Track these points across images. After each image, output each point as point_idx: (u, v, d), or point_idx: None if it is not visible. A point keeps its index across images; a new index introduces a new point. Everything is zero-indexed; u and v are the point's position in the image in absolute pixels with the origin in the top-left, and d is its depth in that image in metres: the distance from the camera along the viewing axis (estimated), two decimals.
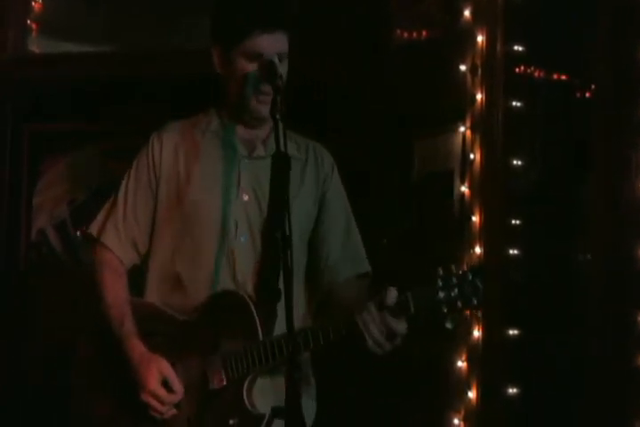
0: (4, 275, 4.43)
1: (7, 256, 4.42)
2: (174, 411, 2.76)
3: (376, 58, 3.98)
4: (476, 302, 2.55)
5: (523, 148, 3.80)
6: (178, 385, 2.74)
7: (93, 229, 2.98)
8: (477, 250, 3.69)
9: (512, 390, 3.66)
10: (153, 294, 2.90)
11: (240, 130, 2.90)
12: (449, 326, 2.59)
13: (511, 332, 3.65)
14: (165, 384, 2.74)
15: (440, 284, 2.55)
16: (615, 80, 3.85)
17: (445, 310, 2.56)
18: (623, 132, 3.83)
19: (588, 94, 3.95)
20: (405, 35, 4.07)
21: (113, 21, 5.10)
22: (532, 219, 3.76)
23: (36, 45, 4.65)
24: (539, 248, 3.74)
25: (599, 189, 3.86)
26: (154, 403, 2.73)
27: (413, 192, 3.08)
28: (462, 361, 3.69)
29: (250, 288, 2.80)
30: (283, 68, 2.80)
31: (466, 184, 3.75)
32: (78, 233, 2.94)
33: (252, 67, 2.78)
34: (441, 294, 2.55)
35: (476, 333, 3.65)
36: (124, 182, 2.96)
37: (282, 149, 2.52)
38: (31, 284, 4.41)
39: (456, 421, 3.70)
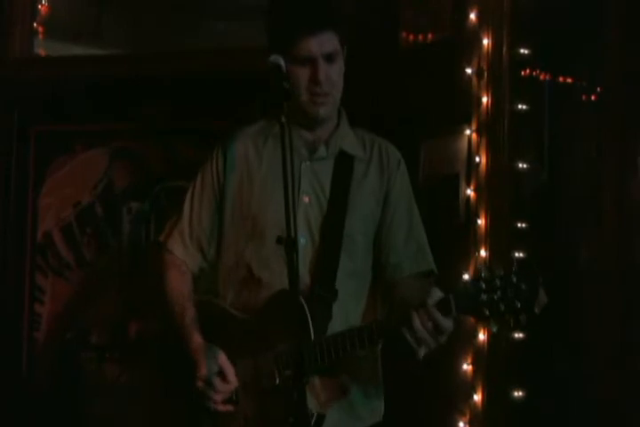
0: (10, 276, 4.44)
1: (13, 258, 4.42)
2: (231, 407, 2.80)
3: (382, 60, 3.97)
4: (519, 305, 2.52)
5: (528, 151, 3.80)
6: (232, 376, 2.80)
7: (161, 236, 3.10)
8: (483, 253, 3.69)
9: (517, 394, 3.65)
10: (223, 296, 2.98)
11: (301, 132, 2.93)
12: (493, 329, 2.58)
13: (517, 335, 3.65)
14: (220, 374, 2.79)
15: (483, 286, 2.55)
16: (622, 83, 3.85)
17: (487, 313, 2.56)
18: (630, 134, 3.84)
19: (594, 97, 3.95)
20: (411, 37, 4.07)
21: (118, 24, 5.11)
22: (538, 222, 3.76)
23: (41, 48, 4.66)
24: (544, 251, 3.74)
25: (606, 193, 3.86)
26: (206, 390, 2.78)
27: (418, 195, 3.08)
28: (468, 364, 3.68)
29: (307, 288, 2.83)
30: (336, 67, 2.87)
31: (471, 187, 3.75)
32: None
33: (303, 70, 2.83)
34: (483, 297, 2.55)
35: (482, 336, 3.65)
36: (189, 192, 3.07)
37: (288, 155, 2.51)
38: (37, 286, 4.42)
39: (461, 424, 3.70)
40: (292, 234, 2.46)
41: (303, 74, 2.84)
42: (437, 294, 2.62)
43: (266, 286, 2.87)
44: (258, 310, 2.85)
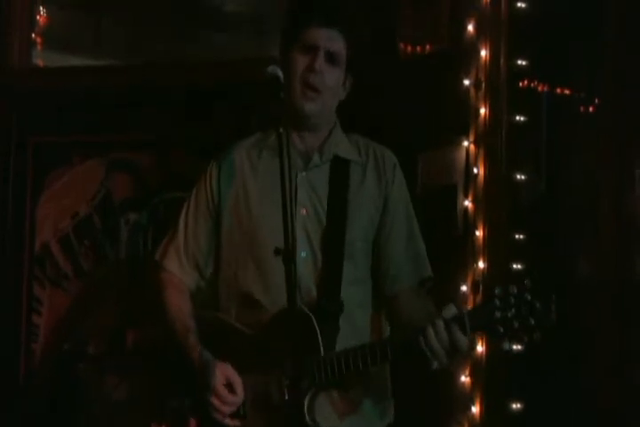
0: (8, 287, 4.43)
1: (10, 269, 4.41)
2: (238, 423, 2.80)
3: (380, 71, 3.97)
4: (533, 322, 2.53)
5: (526, 162, 3.80)
6: (239, 387, 2.79)
7: (157, 254, 3.09)
8: (481, 264, 3.68)
9: (516, 406, 3.64)
10: (227, 310, 2.96)
11: (296, 141, 2.93)
12: (506, 346, 2.57)
13: (514, 347, 3.64)
14: (229, 387, 2.79)
15: (497, 303, 2.55)
16: (620, 94, 3.85)
17: (502, 331, 2.55)
18: (628, 146, 3.84)
19: (592, 108, 3.94)
20: (409, 49, 4.07)
21: (116, 35, 5.11)
22: (537, 233, 3.76)
23: (40, 59, 4.66)
24: (543, 263, 3.73)
25: (604, 204, 3.86)
26: (216, 402, 2.78)
27: (416, 205, 3.09)
28: (466, 376, 3.68)
29: (313, 302, 2.82)
30: (335, 73, 2.90)
31: (469, 198, 3.75)
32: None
33: (303, 58, 2.87)
34: (497, 314, 2.55)
35: (480, 348, 3.64)
36: (184, 209, 3.06)
37: (286, 164, 2.51)
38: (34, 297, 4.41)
39: None
40: (290, 246, 2.46)
41: (302, 62, 2.87)
42: (452, 310, 2.62)
43: (268, 301, 2.85)
44: (265, 325, 2.84)
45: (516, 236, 3.71)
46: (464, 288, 3.69)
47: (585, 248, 3.90)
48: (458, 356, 2.64)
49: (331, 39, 2.88)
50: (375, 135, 3.19)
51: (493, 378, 3.67)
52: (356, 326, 2.88)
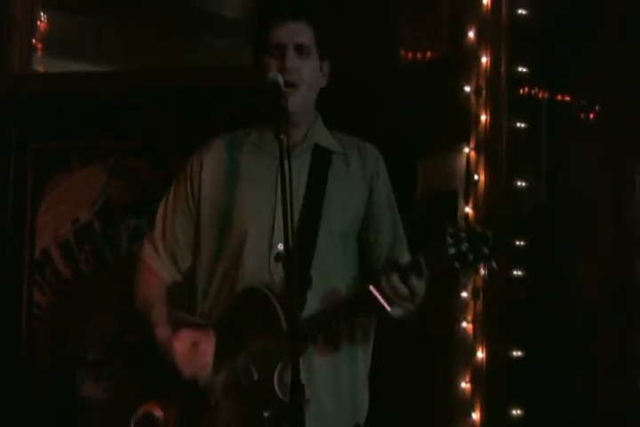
0: (8, 293, 4.43)
1: (11, 275, 4.41)
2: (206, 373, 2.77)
3: (381, 77, 3.98)
4: (487, 251, 2.55)
5: (527, 168, 3.81)
6: (203, 341, 2.77)
7: (137, 247, 3.12)
8: (482, 271, 3.68)
9: (516, 412, 3.65)
10: (204, 305, 2.94)
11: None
12: (464, 281, 2.58)
13: (515, 353, 3.65)
14: (195, 348, 2.77)
15: (450, 240, 2.57)
16: (620, 100, 3.86)
17: (458, 266, 2.57)
18: (628, 151, 3.85)
19: (592, 115, 3.95)
20: (410, 55, 4.08)
21: (116, 41, 5.13)
22: (537, 239, 3.76)
23: (40, 64, 4.66)
24: (543, 269, 3.74)
25: (604, 209, 3.86)
26: (189, 370, 2.76)
27: (417, 212, 3.09)
28: (466, 382, 3.68)
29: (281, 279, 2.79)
30: (309, 63, 2.87)
31: (470, 205, 3.75)
32: None
33: (273, 61, 2.85)
34: (451, 250, 2.57)
35: (480, 354, 3.65)
36: (162, 203, 3.05)
37: (286, 171, 2.51)
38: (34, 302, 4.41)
39: None
40: (291, 253, 2.46)
41: (274, 63, 2.84)
42: (406, 257, 2.66)
43: (245, 283, 2.83)
44: (226, 312, 2.84)
45: (517, 242, 3.72)
46: (464, 294, 3.69)
47: (585, 253, 3.91)
48: (417, 300, 2.66)
49: (297, 32, 2.86)
50: (375, 141, 3.20)
51: (493, 384, 3.68)
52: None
